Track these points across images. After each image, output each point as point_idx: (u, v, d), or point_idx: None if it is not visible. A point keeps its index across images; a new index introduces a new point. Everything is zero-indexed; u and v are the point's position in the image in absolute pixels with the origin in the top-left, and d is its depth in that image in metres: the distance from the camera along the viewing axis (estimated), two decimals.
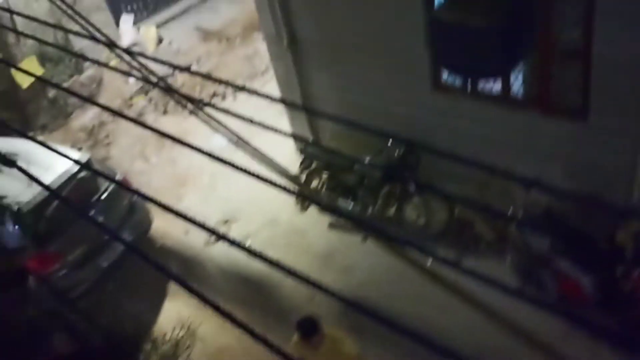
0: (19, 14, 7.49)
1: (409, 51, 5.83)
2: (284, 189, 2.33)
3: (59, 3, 6.19)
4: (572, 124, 5.22)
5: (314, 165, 6.78)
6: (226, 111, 3.10)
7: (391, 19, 5.77)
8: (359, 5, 5.92)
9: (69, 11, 5.39)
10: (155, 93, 10.05)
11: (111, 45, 4.32)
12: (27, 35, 7.19)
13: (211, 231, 2.07)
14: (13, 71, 8.68)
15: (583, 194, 5.12)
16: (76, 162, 4.68)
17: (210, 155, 2.41)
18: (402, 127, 5.86)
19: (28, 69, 8.34)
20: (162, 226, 7.13)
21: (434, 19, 5.27)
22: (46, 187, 2.40)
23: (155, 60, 3.65)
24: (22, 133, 3.00)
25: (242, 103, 8.89)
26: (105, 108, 3.18)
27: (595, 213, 4.65)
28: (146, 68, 4.49)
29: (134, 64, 4.41)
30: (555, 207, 5.01)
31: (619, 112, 4.83)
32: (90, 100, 5.25)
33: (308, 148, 6.87)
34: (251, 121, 2.84)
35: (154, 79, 5.16)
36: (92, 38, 4.19)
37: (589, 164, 5.21)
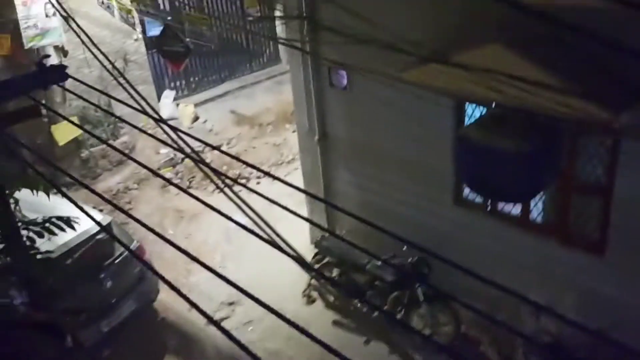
0: (70, 76, 7.94)
1: (434, 163, 6.02)
2: (300, 261, 2.40)
3: (110, 69, 6.62)
4: (588, 257, 5.24)
5: (326, 260, 6.81)
6: (254, 190, 3.23)
7: (420, 130, 6.02)
8: (391, 114, 6.19)
9: (119, 79, 5.76)
10: (182, 167, 10.37)
11: (161, 120, 4.56)
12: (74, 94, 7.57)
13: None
14: (53, 127, 9.08)
15: (594, 328, 5.04)
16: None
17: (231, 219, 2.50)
18: (419, 234, 5.92)
19: (68, 128, 8.74)
20: (167, 299, 7.10)
21: (462, 136, 5.48)
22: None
23: (188, 134, 3.86)
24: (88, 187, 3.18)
25: (264, 189, 9.09)
26: (141, 164, 3.35)
27: (604, 348, 4.56)
28: (182, 140, 4.72)
29: (172, 134, 4.65)
30: (565, 337, 4.93)
31: (637, 251, 4.86)
32: (129, 156, 5.48)
33: (322, 242, 6.94)
34: (277, 203, 2.96)
35: (185, 152, 5.40)
36: (139, 109, 4.45)
37: (602, 299, 5.18)
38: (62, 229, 3.96)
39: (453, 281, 5.18)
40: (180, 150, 4.94)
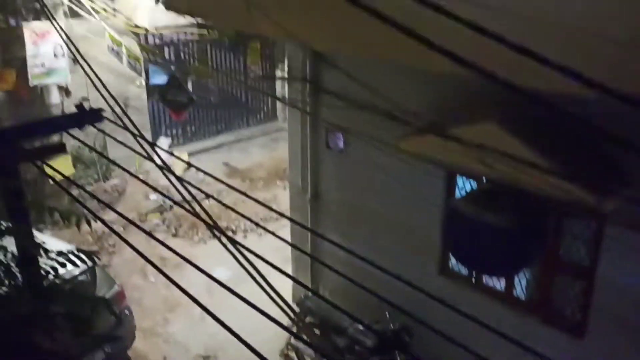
0: (105, 117, 8.10)
1: (422, 231, 6.10)
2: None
3: (111, 112, 6.72)
4: (568, 338, 5.25)
5: (307, 320, 6.74)
6: (274, 232, 3.26)
7: (412, 198, 6.13)
8: (384, 179, 6.32)
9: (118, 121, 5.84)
10: (170, 214, 10.35)
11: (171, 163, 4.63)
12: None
13: None
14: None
15: None
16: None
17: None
18: (404, 302, 5.92)
19: (61, 167, 8.75)
20: (142, 348, 6.95)
21: (452, 208, 5.59)
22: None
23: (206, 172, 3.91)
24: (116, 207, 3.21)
25: (251, 244, 9.07)
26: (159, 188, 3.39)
27: None
28: (183, 186, 4.77)
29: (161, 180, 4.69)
30: None
31: (616, 337, 4.88)
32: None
33: (305, 301, 6.89)
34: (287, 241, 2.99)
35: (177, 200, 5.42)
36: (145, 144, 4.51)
37: None
38: (84, 262, 4.02)
39: (435, 351, 5.17)
40: (195, 191, 4.95)
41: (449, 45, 1.97)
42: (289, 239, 7.71)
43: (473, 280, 5.96)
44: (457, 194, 5.81)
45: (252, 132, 13.54)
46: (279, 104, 13.64)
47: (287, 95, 7.43)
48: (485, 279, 5.88)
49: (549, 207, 4.94)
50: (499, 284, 5.80)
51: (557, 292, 5.37)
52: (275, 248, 8.55)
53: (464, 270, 5.98)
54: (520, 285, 5.70)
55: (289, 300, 7.53)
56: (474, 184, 5.62)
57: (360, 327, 6.23)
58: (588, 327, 5.10)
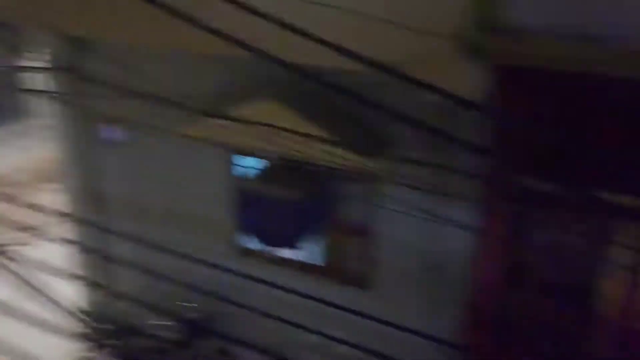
0: None
1: (214, 216, 6.05)
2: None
3: None
4: (359, 293, 5.73)
5: (105, 327, 6.30)
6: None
7: (200, 184, 6.03)
8: (170, 169, 6.10)
9: None
10: None
11: None
12: None
13: None
14: None
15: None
16: None
17: None
18: (207, 290, 5.85)
19: None
20: None
21: (240, 188, 5.64)
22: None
23: None
24: None
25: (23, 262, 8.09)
26: None
27: None
28: None
29: None
30: None
31: (397, 286, 5.45)
32: None
33: (99, 311, 6.43)
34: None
35: None
36: None
37: (375, 332, 5.66)
38: None
39: (241, 335, 5.21)
40: None
41: (218, 26, 1.92)
42: (67, 251, 7.03)
43: (270, 254, 6.11)
44: (246, 174, 5.87)
45: (4, 133, 11.98)
46: (37, 99, 12.23)
47: (46, 88, 6.68)
48: (283, 252, 6.09)
49: (331, 175, 5.27)
50: (297, 255, 6.05)
51: (345, 253, 5.80)
52: (57, 257, 7.74)
53: (260, 247, 6.11)
54: (316, 252, 6.03)
55: (80, 313, 6.93)
56: (262, 163, 5.74)
57: (161, 323, 5.99)
58: (373, 279, 5.62)
